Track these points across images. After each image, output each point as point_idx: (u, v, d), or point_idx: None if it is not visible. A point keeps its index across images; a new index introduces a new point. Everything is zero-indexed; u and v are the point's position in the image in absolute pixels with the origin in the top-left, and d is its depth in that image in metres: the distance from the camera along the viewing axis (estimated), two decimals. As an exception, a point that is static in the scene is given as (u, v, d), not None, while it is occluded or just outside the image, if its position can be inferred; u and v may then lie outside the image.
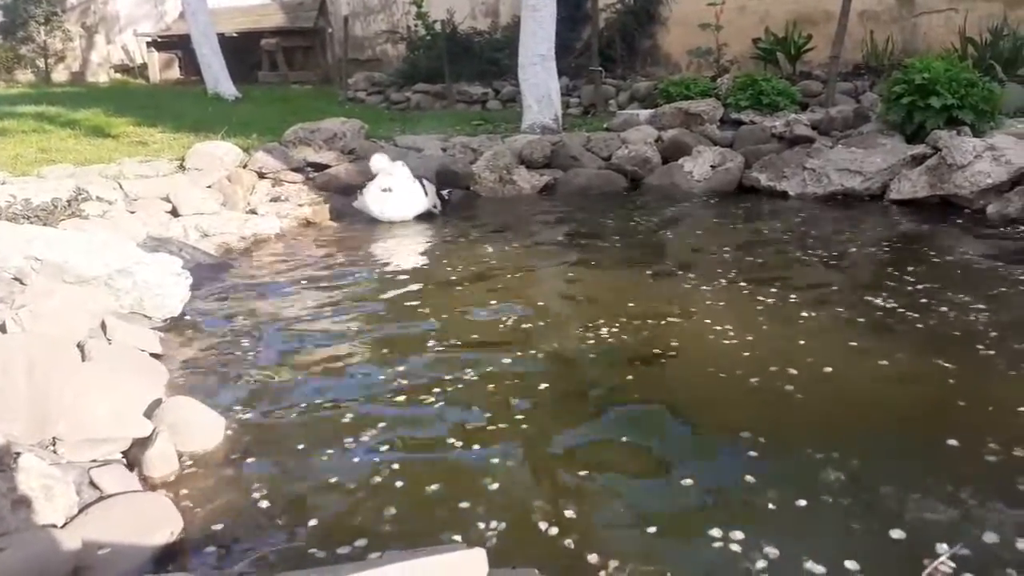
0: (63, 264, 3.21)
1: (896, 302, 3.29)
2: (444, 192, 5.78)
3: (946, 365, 2.66)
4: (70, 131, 7.73)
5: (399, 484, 2.09)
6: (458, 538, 1.68)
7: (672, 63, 10.31)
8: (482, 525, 1.87)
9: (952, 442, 2.17)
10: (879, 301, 3.31)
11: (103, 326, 2.94)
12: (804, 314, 3.22)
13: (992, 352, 2.76)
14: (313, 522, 1.93)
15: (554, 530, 1.85)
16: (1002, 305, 3.22)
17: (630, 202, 5.78)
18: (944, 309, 3.16)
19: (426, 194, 5.43)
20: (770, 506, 1.91)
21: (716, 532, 1.81)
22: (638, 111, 7.56)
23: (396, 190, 5.26)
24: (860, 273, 3.89)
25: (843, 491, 1.96)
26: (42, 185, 4.80)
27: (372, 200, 5.30)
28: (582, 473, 2.09)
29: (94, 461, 2.14)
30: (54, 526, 1.80)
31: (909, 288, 3.48)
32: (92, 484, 2.01)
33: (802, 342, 2.90)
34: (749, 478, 2.03)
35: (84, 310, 2.97)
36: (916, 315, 3.13)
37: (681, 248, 4.50)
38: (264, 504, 2.02)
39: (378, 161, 5.35)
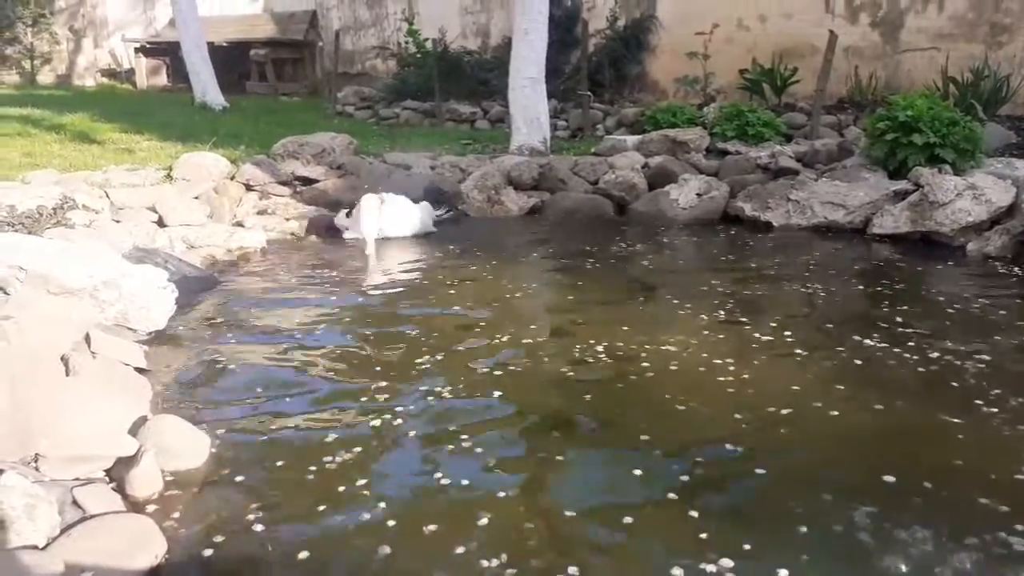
0: (48, 274, 3.18)
1: (889, 343, 3.27)
2: (440, 211, 5.87)
3: (948, 419, 2.60)
4: (55, 135, 7.67)
5: (387, 513, 2.08)
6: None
7: (659, 90, 10.41)
8: (484, 563, 1.86)
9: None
10: (871, 343, 3.28)
11: (87, 339, 2.90)
12: (799, 352, 3.21)
13: (995, 410, 2.67)
14: (304, 554, 1.91)
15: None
16: (994, 350, 3.20)
17: (618, 227, 5.80)
18: (936, 355, 3.14)
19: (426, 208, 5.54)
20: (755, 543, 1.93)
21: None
22: (625, 137, 7.62)
23: (391, 204, 5.26)
24: (852, 310, 3.90)
25: (833, 542, 1.97)
26: (27, 191, 4.74)
27: (367, 212, 5.09)
28: (569, 513, 2.08)
29: (77, 479, 2.11)
30: (35, 547, 1.76)
31: (900, 330, 3.45)
32: (75, 503, 1.98)
33: (796, 387, 2.87)
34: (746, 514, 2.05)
35: (68, 322, 2.94)
36: (914, 358, 3.11)
37: (671, 277, 4.51)
38: (251, 528, 2.00)
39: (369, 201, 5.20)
